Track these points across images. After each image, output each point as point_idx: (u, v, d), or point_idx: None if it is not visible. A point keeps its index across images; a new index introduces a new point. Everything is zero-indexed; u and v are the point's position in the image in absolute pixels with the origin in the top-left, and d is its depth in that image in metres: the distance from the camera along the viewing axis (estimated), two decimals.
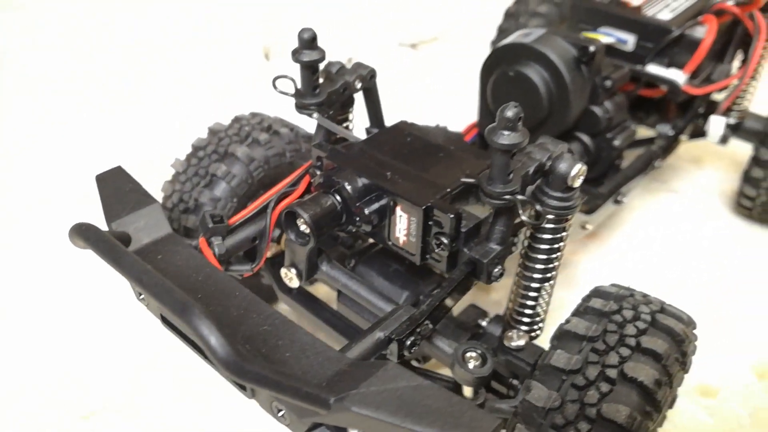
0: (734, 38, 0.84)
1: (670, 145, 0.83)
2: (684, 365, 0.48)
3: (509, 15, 1.05)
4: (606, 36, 0.81)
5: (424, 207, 0.51)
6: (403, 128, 0.61)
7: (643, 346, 0.46)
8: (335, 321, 0.61)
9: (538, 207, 0.49)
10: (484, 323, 0.63)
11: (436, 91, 1.27)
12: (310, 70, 0.57)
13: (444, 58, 1.40)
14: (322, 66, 0.62)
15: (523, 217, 0.47)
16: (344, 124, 0.65)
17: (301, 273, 0.57)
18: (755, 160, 0.86)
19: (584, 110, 0.73)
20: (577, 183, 0.50)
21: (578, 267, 0.88)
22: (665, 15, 0.80)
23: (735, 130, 0.92)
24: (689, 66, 0.78)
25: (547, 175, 0.50)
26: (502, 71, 0.72)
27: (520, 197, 0.48)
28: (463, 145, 0.75)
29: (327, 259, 0.58)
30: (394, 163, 0.56)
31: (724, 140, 0.92)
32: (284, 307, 0.67)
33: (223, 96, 1.23)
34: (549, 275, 0.55)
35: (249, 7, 1.54)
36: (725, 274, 0.86)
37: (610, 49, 0.81)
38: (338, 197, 0.54)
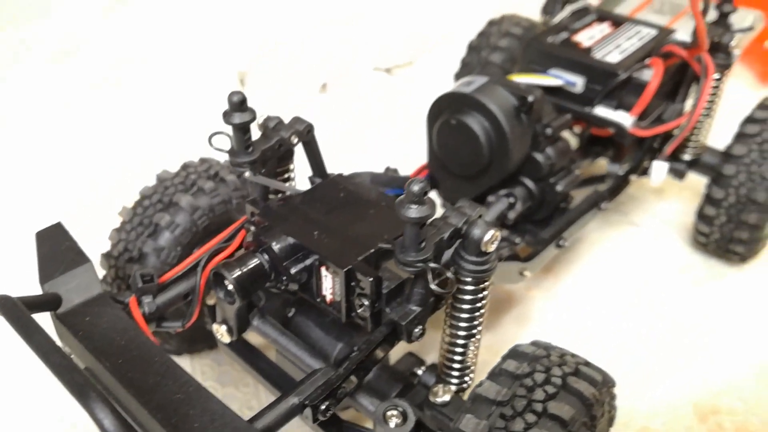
0: (686, 77, 0.85)
1: (619, 185, 0.84)
2: (593, 429, 0.49)
3: (472, 48, 1.07)
4: (555, 78, 0.82)
5: (345, 269, 0.52)
6: (338, 183, 0.62)
7: (550, 412, 0.47)
8: (272, 372, 0.62)
9: (449, 274, 0.50)
10: (419, 372, 0.64)
11: (409, 117, 1.28)
12: (241, 130, 0.58)
13: (419, 83, 1.41)
14: (261, 120, 0.64)
15: (432, 286, 0.48)
16: (286, 175, 0.66)
17: (232, 329, 0.58)
18: (708, 199, 0.86)
19: (527, 156, 0.74)
20: (491, 248, 0.51)
21: (531, 303, 0.89)
22: (614, 57, 0.81)
23: (692, 165, 0.93)
24: (636, 109, 0.79)
25: (463, 239, 0.51)
26: (445, 119, 0.73)
27: (432, 265, 0.49)
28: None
29: (260, 314, 0.60)
30: (323, 220, 0.57)
31: (681, 175, 0.93)
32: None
33: (195, 123, 1.25)
34: (474, 332, 0.56)
35: (224, 32, 1.55)
36: (676, 312, 0.87)
37: (560, 91, 0.83)
38: (266, 256, 0.55)
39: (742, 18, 0.91)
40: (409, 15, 1.63)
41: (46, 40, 1.47)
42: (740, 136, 0.84)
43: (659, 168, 0.78)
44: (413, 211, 0.46)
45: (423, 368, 0.64)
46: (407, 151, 1.11)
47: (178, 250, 0.68)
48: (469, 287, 0.53)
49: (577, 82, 0.81)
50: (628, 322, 0.86)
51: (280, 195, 0.62)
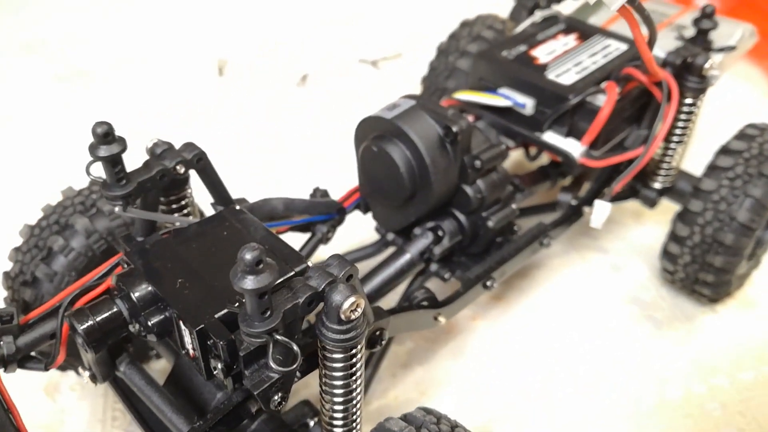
0: (653, 101, 0.77)
1: (569, 217, 0.77)
2: None
3: (441, 51, 0.99)
4: (504, 99, 0.75)
5: (197, 329, 0.47)
6: (225, 219, 0.57)
7: None
8: (150, 417, 0.58)
9: (295, 347, 0.44)
10: (311, 423, 0.60)
11: None
12: (110, 163, 0.53)
13: (407, 75, 1.34)
14: (150, 144, 0.59)
15: (271, 363, 0.44)
16: (182, 202, 0.62)
17: (95, 376, 0.54)
18: (672, 235, 0.79)
19: (456, 187, 0.68)
20: (354, 315, 0.45)
21: (473, 334, 0.83)
22: (568, 78, 0.73)
23: (666, 191, 0.85)
24: (586, 138, 0.71)
25: (324, 305, 0.46)
26: (367, 145, 0.67)
27: (277, 337, 0.44)
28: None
29: (127, 359, 0.56)
30: (195, 264, 0.52)
31: (651, 204, 0.85)
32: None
33: (172, 112, 1.21)
34: (351, 396, 0.51)
35: (204, 21, 1.50)
36: (628, 358, 0.80)
37: (510, 112, 0.76)
38: (126, 303, 0.51)
39: (729, 32, 0.82)
40: (400, 6, 1.55)
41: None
42: (712, 169, 0.76)
43: (601, 209, 0.71)
44: (249, 282, 0.41)
45: (316, 419, 0.60)
46: None
47: (72, 276, 0.65)
48: (337, 356, 0.47)
49: (527, 104, 0.74)
50: (572, 364, 0.79)
51: (164, 229, 0.58)
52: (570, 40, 0.80)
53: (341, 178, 0.81)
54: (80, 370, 0.56)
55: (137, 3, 1.56)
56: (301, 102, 1.25)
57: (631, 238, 0.96)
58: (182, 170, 0.58)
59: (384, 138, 0.65)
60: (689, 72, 0.74)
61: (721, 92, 1.21)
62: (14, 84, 1.30)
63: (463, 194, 0.68)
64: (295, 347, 0.44)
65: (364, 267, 0.71)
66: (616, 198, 0.85)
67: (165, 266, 0.52)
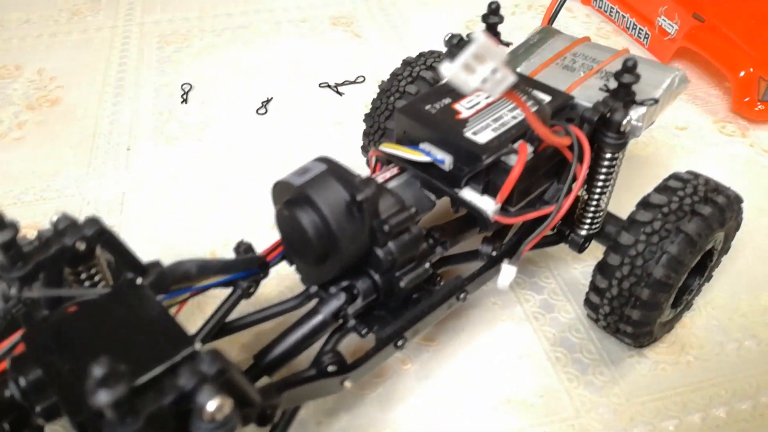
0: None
1: (490, 269, 0.78)
2: None
3: (382, 91, 1.00)
4: (424, 154, 0.75)
5: (77, 420, 0.49)
6: (123, 294, 0.58)
7: None
8: None
9: None
10: None
11: (354, 138, 1.22)
12: (4, 249, 0.55)
13: (369, 100, 1.35)
14: (54, 218, 0.60)
15: None
16: (91, 271, 0.63)
17: None
18: (592, 285, 0.80)
19: (369, 249, 0.69)
20: (221, 416, 0.46)
21: (404, 379, 0.84)
22: (485, 135, 0.74)
23: (594, 236, 0.86)
24: (500, 196, 0.72)
25: (192, 406, 0.47)
26: (279, 208, 0.68)
27: None
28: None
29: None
30: (85, 348, 0.54)
31: (580, 249, 0.86)
32: None
33: (133, 140, 1.23)
34: None
35: (169, 47, 1.51)
36: (551, 406, 0.82)
37: (431, 166, 0.76)
38: (18, 386, 0.52)
39: (659, 79, 0.82)
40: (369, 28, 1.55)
41: None
42: (631, 223, 0.76)
43: (507, 272, 0.71)
44: (102, 397, 0.42)
45: None
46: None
47: None
48: None
49: (446, 161, 0.75)
50: (498, 415, 0.81)
51: (71, 302, 0.59)
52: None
53: None
54: None
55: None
56: (262, 125, 1.26)
57: (568, 275, 0.97)
58: (83, 247, 0.59)
59: (294, 203, 0.66)
60: (607, 128, 0.74)
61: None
62: None
63: (375, 256, 0.69)
64: None
65: (289, 318, 0.72)
66: (544, 244, 0.86)
67: (59, 348, 0.54)
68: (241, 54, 1.47)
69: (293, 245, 0.70)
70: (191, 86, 1.36)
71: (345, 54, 1.47)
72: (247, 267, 0.73)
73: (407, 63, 1.00)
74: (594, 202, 0.81)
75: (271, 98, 1.33)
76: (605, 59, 0.85)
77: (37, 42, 1.52)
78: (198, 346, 0.53)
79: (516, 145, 0.72)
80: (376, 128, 0.99)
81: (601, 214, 0.83)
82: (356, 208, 0.65)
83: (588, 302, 0.81)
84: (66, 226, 0.59)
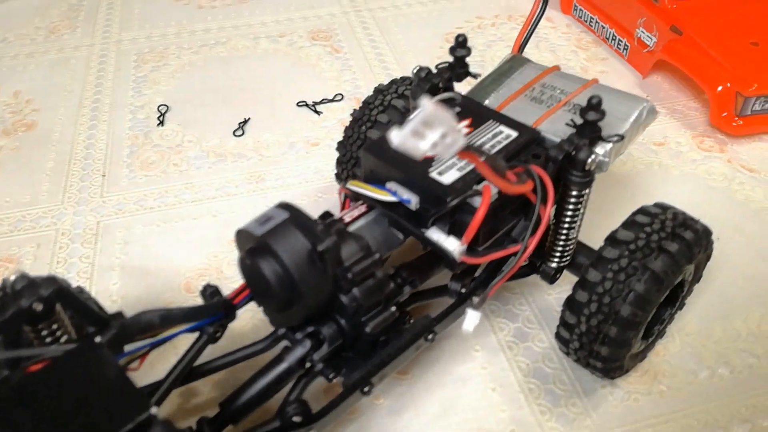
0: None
1: (459, 306, 0.78)
2: None
3: (354, 119, 0.99)
4: (390, 194, 0.75)
5: None
6: (81, 354, 0.58)
7: None
8: None
9: None
10: None
11: (330, 160, 1.22)
12: None
13: (347, 119, 1.34)
14: (11, 278, 0.60)
15: None
16: (54, 327, 0.63)
17: None
18: (562, 321, 0.80)
19: (333, 296, 0.69)
20: None
21: (376, 414, 0.84)
22: (450, 176, 0.73)
23: (566, 267, 0.85)
24: (465, 237, 0.72)
25: None
26: (242, 256, 0.68)
27: None
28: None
29: None
30: (42, 414, 0.53)
31: (551, 280, 0.86)
32: None
33: (108, 165, 1.22)
34: None
35: (146, 65, 1.50)
36: None
37: (399, 205, 0.76)
38: None
39: (626, 111, 0.82)
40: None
41: None
42: (598, 260, 0.76)
43: (471, 318, 0.71)
44: None
45: None
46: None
47: None
48: None
49: (412, 201, 0.74)
50: None
51: (30, 361, 0.59)
52: (462, 128, 0.80)
53: None
54: None
55: None
56: (237, 146, 1.26)
57: (542, 302, 0.97)
58: (40, 307, 0.59)
59: (255, 253, 0.66)
60: (573, 166, 0.74)
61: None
62: None
63: (340, 302, 0.68)
64: None
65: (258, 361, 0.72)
66: (516, 276, 0.86)
67: (19, 410, 0.53)
68: (219, 72, 1.46)
69: (257, 292, 0.70)
70: (168, 107, 1.35)
71: (323, 70, 1.47)
72: (213, 313, 0.72)
73: (379, 91, 1.00)
74: (563, 237, 0.80)
75: (248, 119, 1.32)
76: (573, 91, 0.85)
77: (14, 63, 1.51)
78: (154, 410, 0.53)
79: (480, 187, 0.72)
80: (348, 157, 0.99)
81: (571, 246, 0.82)
82: (318, 258, 0.65)
83: (559, 336, 0.81)
84: (23, 286, 0.59)
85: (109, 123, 1.33)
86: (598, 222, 0.95)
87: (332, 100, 1.37)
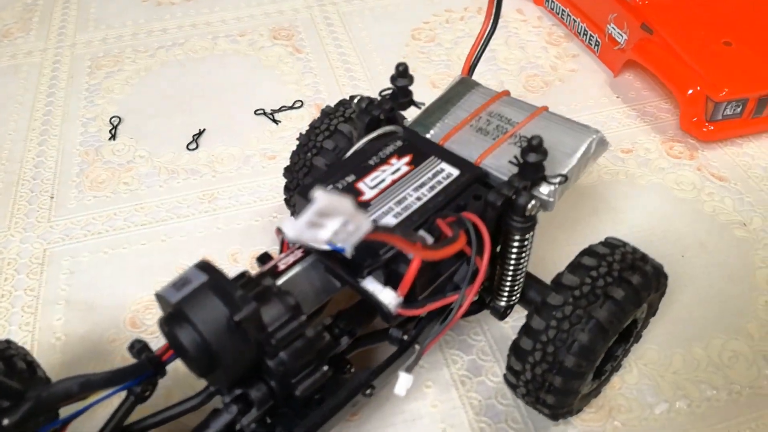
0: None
1: (402, 353, 0.75)
2: None
3: (300, 145, 0.95)
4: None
5: None
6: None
7: None
8: None
9: None
10: None
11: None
12: None
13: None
14: None
15: None
16: None
17: None
18: (509, 367, 0.77)
19: (259, 360, 0.65)
20: None
21: None
22: (388, 221, 0.70)
23: (516, 302, 0.82)
24: (401, 290, 0.68)
25: None
26: (160, 320, 0.65)
27: None
28: None
29: None
30: None
31: (501, 316, 0.83)
32: None
33: (57, 186, 1.18)
34: None
35: (100, 71, 1.44)
36: None
37: (334, 253, 0.72)
38: None
39: (573, 145, 0.77)
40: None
41: None
42: (543, 306, 0.73)
43: (403, 381, 0.68)
44: None
45: None
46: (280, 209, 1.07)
47: None
48: None
49: (347, 249, 0.70)
50: None
51: None
52: (402, 165, 0.76)
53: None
54: None
55: None
56: (192, 159, 1.21)
57: (498, 331, 0.94)
58: None
59: (172, 320, 0.63)
60: (513, 212, 0.70)
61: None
62: None
63: (267, 365, 0.65)
64: None
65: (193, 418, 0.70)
66: (466, 314, 0.83)
67: None
68: (175, 77, 1.41)
69: (179, 355, 0.67)
70: (120, 119, 1.31)
71: (284, 73, 1.41)
72: (140, 373, 0.69)
73: (326, 114, 0.95)
74: (509, 277, 0.77)
75: (203, 130, 1.27)
76: (521, 120, 0.80)
77: None
78: None
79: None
80: (295, 184, 0.95)
81: (519, 285, 0.79)
82: (236, 326, 0.62)
83: (506, 380, 0.79)
84: None
85: (60, 138, 1.28)
86: (563, 238, 0.91)
87: (291, 107, 1.33)
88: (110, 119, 1.30)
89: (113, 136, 1.27)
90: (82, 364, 0.92)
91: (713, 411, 0.85)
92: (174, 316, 0.63)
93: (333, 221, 0.45)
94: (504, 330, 0.94)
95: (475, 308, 0.84)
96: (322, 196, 0.43)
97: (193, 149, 1.24)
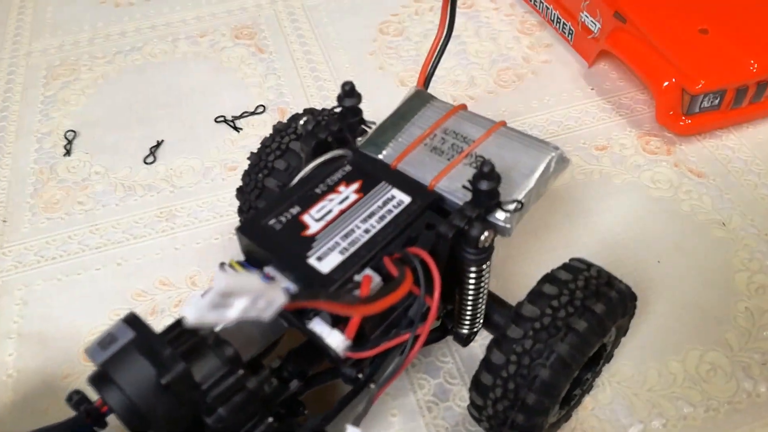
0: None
1: (357, 392, 0.71)
2: None
3: (252, 165, 0.90)
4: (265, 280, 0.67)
5: None
6: None
7: None
8: None
9: None
10: None
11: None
12: None
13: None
14: None
15: None
16: None
17: None
18: (472, 402, 0.73)
19: (197, 418, 0.61)
20: None
21: None
22: (332, 260, 0.65)
23: (483, 326, 0.79)
24: (348, 332, 0.64)
25: None
26: (88, 379, 0.61)
27: None
28: None
29: None
30: None
31: (465, 342, 0.80)
32: None
33: (10, 208, 1.13)
34: None
35: (56, 82, 1.38)
36: None
37: None
38: None
39: (530, 165, 0.73)
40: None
41: None
42: (503, 338, 0.69)
43: None
44: None
45: None
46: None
47: None
48: None
49: (291, 288, 0.66)
50: None
51: None
52: (350, 193, 0.72)
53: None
54: None
55: None
56: (149, 172, 1.17)
57: (466, 351, 0.90)
58: None
59: (98, 381, 0.59)
60: (466, 243, 0.66)
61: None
62: None
63: (206, 423, 0.61)
64: None
65: None
66: (428, 341, 0.79)
67: None
68: (133, 85, 1.36)
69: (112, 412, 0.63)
70: (75, 133, 1.25)
71: (246, 75, 1.36)
72: (76, 428, 0.66)
73: (278, 130, 0.90)
74: (469, 307, 0.73)
75: (161, 141, 1.22)
76: (477, 138, 0.75)
77: None
78: None
79: (360, 277, 0.64)
80: (248, 207, 0.90)
81: (480, 314, 0.75)
82: (165, 387, 0.57)
83: (470, 413, 0.75)
84: None
85: (14, 155, 1.23)
86: (536, 247, 0.87)
87: (254, 113, 1.27)
88: (65, 134, 1.25)
89: (68, 152, 1.22)
90: (35, 402, 0.89)
91: (690, 430, 0.81)
92: (100, 377, 0.59)
93: (240, 300, 0.41)
94: (473, 350, 0.90)
95: (437, 336, 0.80)
96: (222, 278, 0.39)
97: (150, 163, 1.19)
